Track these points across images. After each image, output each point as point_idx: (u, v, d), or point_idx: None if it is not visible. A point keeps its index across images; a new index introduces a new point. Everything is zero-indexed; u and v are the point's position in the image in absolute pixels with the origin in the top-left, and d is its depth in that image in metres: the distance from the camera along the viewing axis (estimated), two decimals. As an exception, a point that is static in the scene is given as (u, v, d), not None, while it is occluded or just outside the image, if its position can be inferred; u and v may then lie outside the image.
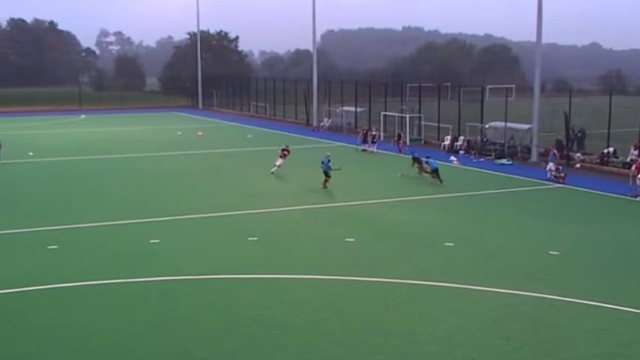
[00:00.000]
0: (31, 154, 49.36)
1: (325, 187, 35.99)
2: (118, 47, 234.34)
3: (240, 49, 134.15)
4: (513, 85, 73.57)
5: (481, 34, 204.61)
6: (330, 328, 17.70)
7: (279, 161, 40.83)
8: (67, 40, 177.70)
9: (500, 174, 41.83)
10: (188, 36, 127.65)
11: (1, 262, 23.39)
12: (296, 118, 76.18)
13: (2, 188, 37.08)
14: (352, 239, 26.02)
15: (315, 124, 70.03)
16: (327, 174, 36.15)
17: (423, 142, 56.19)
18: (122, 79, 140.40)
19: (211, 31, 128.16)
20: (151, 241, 25.72)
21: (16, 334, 17.25)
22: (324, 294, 20.23)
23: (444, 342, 16.72)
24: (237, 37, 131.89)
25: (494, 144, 49.72)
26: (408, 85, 68.01)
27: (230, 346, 16.62)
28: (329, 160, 36.25)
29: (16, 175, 41.04)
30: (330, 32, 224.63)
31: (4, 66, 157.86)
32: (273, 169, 40.48)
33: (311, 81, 72.83)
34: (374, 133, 52.78)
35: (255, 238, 26.07)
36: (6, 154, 45.61)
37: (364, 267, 22.61)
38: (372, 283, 21.12)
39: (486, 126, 51.74)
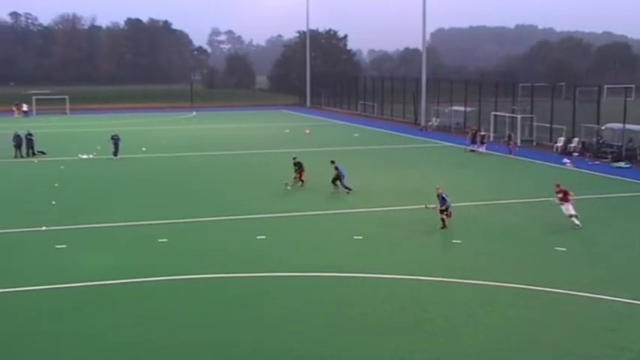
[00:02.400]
0: (144, 149, 50.88)
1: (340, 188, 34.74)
2: (229, 46, 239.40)
3: (348, 47, 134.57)
4: (633, 85, 70.59)
5: (599, 31, 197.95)
6: (434, 329, 17.39)
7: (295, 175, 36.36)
8: (180, 39, 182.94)
9: (617, 177, 40.07)
10: (297, 34, 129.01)
11: (119, 252, 24.14)
12: (404, 118, 75.58)
13: (117, 182, 38.32)
14: (459, 241, 25.48)
15: (423, 123, 69.23)
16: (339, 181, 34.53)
17: (534, 143, 54.61)
18: (232, 77, 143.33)
19: (320, 30, 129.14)
20: (258, 237, 25.94)
21: (125, 323, 17.74)
22: (428, 295, 19.89)
23: (552, 349, 16.07)
24: (346, 36, 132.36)
25: (611, 146, 47.68)
26: (520, 84, 66.32)
27: (332, 345, 16.50)
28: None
29: (130, 170, 42.37)
30: (440, 30, 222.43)
31: (121, 64, 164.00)
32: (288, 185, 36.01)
33: (419, 80, 72.04)
34: (483, 133, 51.70)
35: (360, 237, 25.90)
36: (122, 149, 47.14)
37: (470, 269, 22.09)
38: (478, 285, 20.60)
39: (603, 127, 49.74)
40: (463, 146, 51.36)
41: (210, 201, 32.99)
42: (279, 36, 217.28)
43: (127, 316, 18.33)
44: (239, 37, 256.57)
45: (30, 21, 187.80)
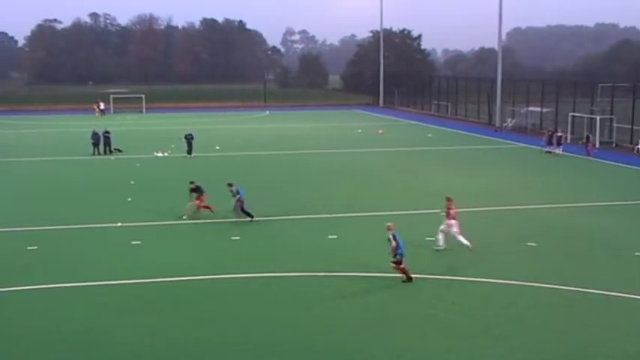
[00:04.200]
0: (217, 148, 51.40)
1: None
2: (302, 45, 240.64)
3: (422, 47, 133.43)
4: None
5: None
6: (506, 333, 17.03)
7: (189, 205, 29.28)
8: (254, 38, 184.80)
9: (702, 181, 38.55)
10: (371, 34, 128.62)
11: (192, 250, 24.37)
12: (478, 118, 74.48)
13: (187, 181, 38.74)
14: (534, 244, 24.87)
15: (497, 124, 68.05)
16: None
17: (614, 145, 53.03)
18: (305, 77, 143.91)
19: (394, 29, 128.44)
20: (329, 236, 25.85)
21: (194, 320, 17.85)
22: (500, 298, 19.49)
23: (634, 359, 15.46)
24: (420, 35, 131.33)
25: (695, 149, 45.94)
26: (600, 84, 64.47)
27: (402, 345, 16.33)
28: None
29: (203, 168, 42.82)
30: (517, 30, 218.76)
31: (196, 64, 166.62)
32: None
33: (495, 80, 70.86)
34: (559, 134, 50.43)
35: (432, 239, 25.50)
36: (196, 148, 47.72)
37: (545, 273, 21.53)
38: (553, 290, 20.03)
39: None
40: (539, 147, 50.25)
41: (281, 200, 33.02)
42: (353, 35, 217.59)
43: (197, 312, 18.44)
44: (312, 36, 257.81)
45: (109, 21, 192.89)
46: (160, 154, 48.13)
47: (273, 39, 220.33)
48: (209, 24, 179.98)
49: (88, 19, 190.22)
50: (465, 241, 23.83)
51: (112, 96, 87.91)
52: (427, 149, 52.02)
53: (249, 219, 27.76)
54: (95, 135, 49.09)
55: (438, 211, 30.29)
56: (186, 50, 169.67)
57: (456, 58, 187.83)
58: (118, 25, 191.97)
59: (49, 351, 16.23)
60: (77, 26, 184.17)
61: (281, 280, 21.06)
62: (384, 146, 53.03)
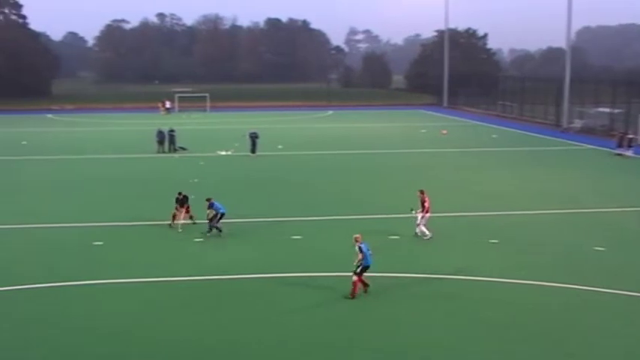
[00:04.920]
0: (280, 147, 51.49)
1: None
2: (366, 45, 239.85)
3: (488, 46, 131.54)
4: None
5: None
6: (563, 336, 16.71)
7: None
8: (318, 38, 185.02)
9: None
10: (436, 34, 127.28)
11: (252, 248, 24.38)
12: (545, 119, 72.93)
13: (253, 179, 38.92)
14: (601, 248, 24.16)
15: (565, 125, 66.51)
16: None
17: (687, 147, 51.30)
18: (369, 77, 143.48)
19: (459, 29, 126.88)
20: (390, 237, 25.54)
21: (252, 318, 17.76)
22: (557, 302, 19.11)
23: None
24: (485, 35, 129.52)
25: None
26: (673, 85, 62.46)
27: (453, 346, 16.21)
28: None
29: (266, 167, 42.95)
30: (587, 29, 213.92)
31: (260, 63, 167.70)
32: None
33: (563, 80, 69.28)
34: (631, 136, 49.01)
35: (496, 241, 25.03)
36: (259, 147, 47.84)
37: (609, 278, 20.98)
38: (615, 295, 19.52)
39: None
40: (608, 150, 48.92)
41: (342, 199, 32.83)
42: (417, 35, 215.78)
43: (256, 311, 18.44)
44: (376, 36, 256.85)
45: (175, 21, 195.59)
46: (223, 153, 48.43)
47: (337, 38, 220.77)
48: (273, 24, 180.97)
49: (155, 20, 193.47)
50: (428, 232, 25.12)
51: (177, 95, 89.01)
52: (492, 150, 51.15)
53: (218, 231, 26.03)
54: (160, 133, 49.71)
55: (501, 213, 29.79)
56: (250, 50, 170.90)
57: (523, 58, 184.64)
58: (184, 25, 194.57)
59: (102, 344, 16.39)
60: (144, 26, 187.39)
61: (335, 280, 20.85)
62: (448, 147, 52.35)
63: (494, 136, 60.88)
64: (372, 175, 40.30)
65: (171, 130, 50.33)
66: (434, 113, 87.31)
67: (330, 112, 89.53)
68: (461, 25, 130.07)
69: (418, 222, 25.38)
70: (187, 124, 68.48)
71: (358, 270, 19.42)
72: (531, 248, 24.43)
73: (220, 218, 26.06)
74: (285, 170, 41.81)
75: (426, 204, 25.20)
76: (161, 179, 38.54)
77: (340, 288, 20.11)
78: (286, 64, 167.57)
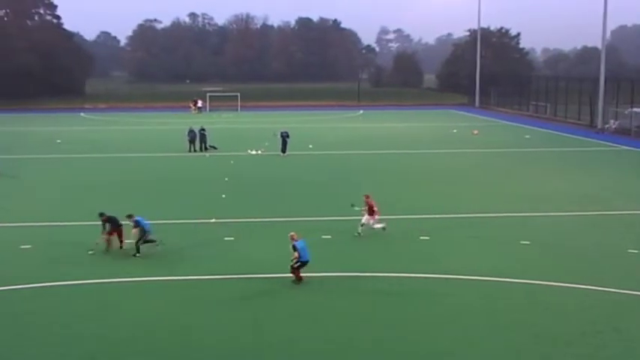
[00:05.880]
0: (310, 146, 51.40)
1: None
2: (397, 44, 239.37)
3: (521, 46, 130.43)
4: None
5: None
6: (604, 341, 16.32)
7: None
8: (349, 37, 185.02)
9: None
10: (468, 33, 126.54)
11: (283, 246, 24.32)
12: (579, 120, 72.03)
13: (284, 179, 38.88)
14: (636, 250, 23.69)
15: (599, 125, 65.63)
16: None
17: None
18: (400, 76, 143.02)
19: (492, 28, 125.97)
20: (421, 237, 25.35)
21: (283, 316, 17.74)
22: (596, 305, 18.72)
23: None
24: (518, 34, 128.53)
25: None
26: None
27: (492, 351, 15.94)
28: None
29: (296, 167, 42.90)
30: (622, 28, 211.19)
31: (291, 63, 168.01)
32: None
33: (597, 80, 68.35)
34: (667, 137, 48.19)
35: (527, 242, 24.69)
36: (291, 146, 47.79)
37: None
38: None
39: None
40: (644, 150, 48.17)
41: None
42: (449, 34, 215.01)
43: (287, 308, 18.40)
44: (408, 35, 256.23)
45: (206, 21, 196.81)
46: (253, 152, 48.46)
47: (368, 38, 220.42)
48: (304, 23, 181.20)
49: (186, 19, 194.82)
50: (379, 225, 25.49)
51: (208, 94, 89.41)
52: (524, 151, 50.57)
53: (155, 243, 23.60)
54: (191, 132, 49.89)
55: (533, 214, 29.41)
56: (281, 49, 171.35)
57: (557, 57, 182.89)
58: (216, 24, 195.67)
59: (146, 342, 16.41)
60: (176, 26, 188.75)
61: (372, 279, 20.76)
62: (480, 147, 51.88)
63: (526, 136, 60.23)
64: (402, 174, 40.04)
65: (202, 129, 50.48)
66: (465, 113, 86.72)
67: (361, 111, 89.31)
68: (493, 24, 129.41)
69: (365, 222, 25.60)
70: (218, 123, 68.71)
71: (296, 265, 20.38)
72: (564, 250, 24.05)
73: (145, 237, 23.30)
74: (314, 170, 41.70)
75: (375, 208, 25.68)
76: (192, 178, 38.65)
77: (374, 287, 20.00)
78: (317, 64, 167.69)
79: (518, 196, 33.38)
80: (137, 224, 23.39)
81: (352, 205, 26.15)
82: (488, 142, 54.72)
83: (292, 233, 21.11)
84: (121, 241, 23.92)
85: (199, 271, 21.60)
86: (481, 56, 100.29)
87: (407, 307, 18.70)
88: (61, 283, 20.55)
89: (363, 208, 25.77)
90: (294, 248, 20.46)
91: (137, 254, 23.12)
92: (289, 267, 20.47)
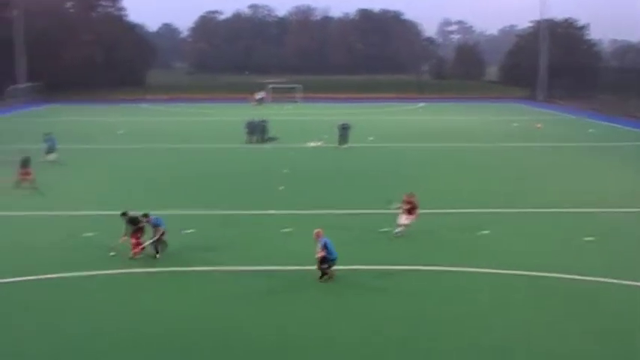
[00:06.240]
0: (371, 138, 51.06)
1: None
2: (459, 36, 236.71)
3: (589, 37, 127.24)
4: None
5: None
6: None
7: None
8: (410, 29, 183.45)
9: None
10: (532, 24, 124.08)
11: (349, 242, 24.15)
12: (646, 113, 70.02)
13: (343, 171, 38.73)
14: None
15: (668, 119, 63.74)
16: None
17: None
18: (461, 68, 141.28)
19: (557, 19, 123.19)
20: (482, 232, 24.94)
21: (343, 310, 17.50)
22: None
23: None
24: (585, 25, 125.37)
25: None
26: None
27: (549, 346, 15.76)
28: None
29: (356, 159, 42.66)
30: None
31: (352, 54, 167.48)
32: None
33: (666, 72, 66.28)
34: None
35: (591, 238, 24.05)
36: (351, 138, 47.52)
37: None
38: None
39: None
40: None
41: (433, 193, 32.14)
42: (513, 26, 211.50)
43: (340, 301, 18.31)
44: (470, 27, 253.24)
45: (267, 12, 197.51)
46: (312, 144, 48.36)
47: (430, 29, 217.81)
48: (365, 14, 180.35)
49: (247, 11, 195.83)
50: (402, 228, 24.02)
51: (269, 86, 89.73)
52: (589, 145, 49.31)
53: (155, 254, 22.11)
54: (251, 123, 50.06)
55: (597, 210, 28.66)
56: (341, 41, 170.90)
57: (625, 49, 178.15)
58: (276, 16, 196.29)
59: (196, 330, 16.48)
60: (237, 17, 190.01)
61: (419, 273, 20.60)
62: (542, 141, 50.82)
63: (590, 130, 58.77)
64: (462, 168, 39.46)
65: (263, 121, 50.61)
66: (528, 106, 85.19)
67: (422, 104, 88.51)
68: (559, 15, 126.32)
69: (403, 222, 24.14)
70: (278, 114, 68.82)
71: (328, 264, 19.57)
72: (628, 247, 23.45)
73: (162, 236, 22.12)
74: (374, 162, 41.39)
75: (416, 208, 24.19)
76: (251, 169, 38.79)
77: (421, 281, 19.70)
78: (378, 55, 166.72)
79: (582, 191, 32.60)
80: (154, 224, 22.05)
81: (388, 202, 24.75)
82: (551, 136, 53.60)
83: (318, 230, 20.07)
84: (141, 247, 22.14)
85: (254, 261, 21.64)
86: (546, 48, 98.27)
87: (465, 301, 18.49)
88: (125, 271, 20.82)
89: (399, 206, 24.30)
90: (323, 246, 19.52)
91: (157, 255, 21.97)
92: (317, 266, 19.63)
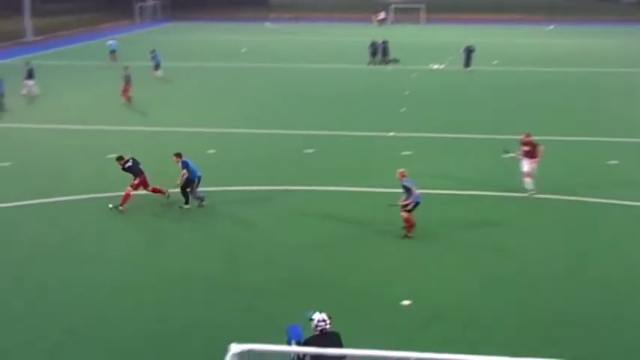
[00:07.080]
0: (495, 62, 49.45)
1: None
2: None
3: None
4: None
5: None
6: None
7: None
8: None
9: None
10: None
11: (459, 164, 23.75)
12: None
13: (466, 94, 37.85)
14: None
15: None
16: None
17: None
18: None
19: None
20: (610, 162, 24.04)
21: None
22: None
23: None
24: None
25: None
26: None
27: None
28: None
29: (478, 82, 41.55)
30: None
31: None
32: None
33: None
34: None
35: None
36: (475, 61, 46.17)
37: None
38: None
39: None
40: None
41: (556, 120, 30.97)
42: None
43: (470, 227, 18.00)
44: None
45: None
46: (435, 66, 47.36)
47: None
48: None
49: None
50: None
51: (392, 6, 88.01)
52: None
53: (199, 201, 19.68)
54: (373, 45, 49.41)
55: None
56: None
57: None
58: None
59: (311, 249, 16.67)
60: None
61: (550, 202, 20.03)
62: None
63: None
64: (593, 93, 37.71)
65: (385, 42, 49.83)
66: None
67: (552, 26, 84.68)
68: None
69: (528, 170, 20.58)
70: (400, 36, 67.53)
71: (410, 208, 17.20)
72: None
73: (198, 185, 19.65)
74: (498, 86, 40.14)
75: (538, 150, 20.50)
76: (372, 91, 38.44)
77: (555, 209, 19.14)
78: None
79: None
80: (185, 166, 19.36)
81: (505, 152, 21.77)
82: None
83: (402, 170, 17.63)
84: (157, 190, 19.95)
85: (372, 183, 21.59)
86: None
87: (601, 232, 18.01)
88: (253, 188, 21.26)
89: (517, 152, 20.96)
90: (406, 189, 17.16)
91: (185, 205, 19.47)
92: (401, 211, 17.29)
